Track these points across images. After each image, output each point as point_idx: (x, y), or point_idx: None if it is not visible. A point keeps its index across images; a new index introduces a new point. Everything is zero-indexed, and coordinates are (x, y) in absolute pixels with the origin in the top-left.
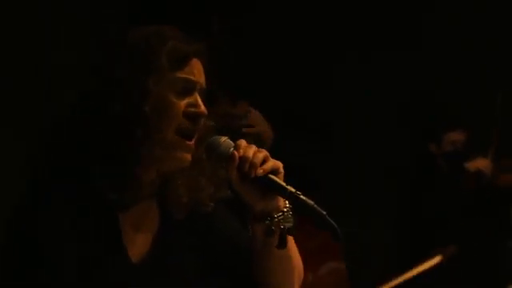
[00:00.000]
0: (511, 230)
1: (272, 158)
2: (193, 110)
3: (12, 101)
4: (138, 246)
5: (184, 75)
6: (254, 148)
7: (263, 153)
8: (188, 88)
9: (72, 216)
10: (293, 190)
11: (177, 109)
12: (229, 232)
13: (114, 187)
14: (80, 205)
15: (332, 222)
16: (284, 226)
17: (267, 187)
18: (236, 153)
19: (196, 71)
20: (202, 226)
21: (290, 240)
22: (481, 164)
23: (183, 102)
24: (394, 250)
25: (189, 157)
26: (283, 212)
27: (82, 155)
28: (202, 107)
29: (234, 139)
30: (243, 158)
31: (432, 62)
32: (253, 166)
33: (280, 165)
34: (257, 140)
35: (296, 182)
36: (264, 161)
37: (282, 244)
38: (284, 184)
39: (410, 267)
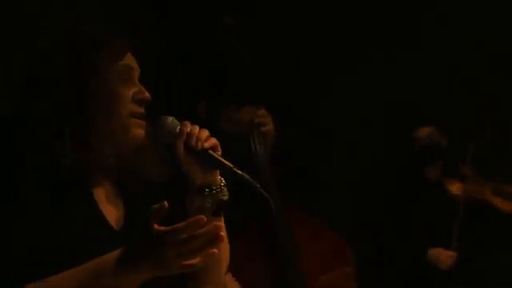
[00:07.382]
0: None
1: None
2: (140, 96)
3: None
4: (113, 216)
5: (125, 62)
6: (197, 127)
7: (206, 132)
8: (131, 75)
9: (47, 191)
10: (231, 165)
11: (127, 96)
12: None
13: (76, 158)
14: (54, 180)
15: (265, 194)
16: (221, 198)
17: (208, 162)
18: (184, 128)
19: (133, 61)
20: (155, 196)
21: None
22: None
23: (131, 91)
24: (394, 251)
25: (143, 133)
26: (220, 186)
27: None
28: (147, 93)
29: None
30: (190, 134)
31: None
32: (199, 139)
33: (218, 143)
34: (263, 137)
35: (297, 182)
36: (207, 138)
37: (218, 212)
38: (223, 160)
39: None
